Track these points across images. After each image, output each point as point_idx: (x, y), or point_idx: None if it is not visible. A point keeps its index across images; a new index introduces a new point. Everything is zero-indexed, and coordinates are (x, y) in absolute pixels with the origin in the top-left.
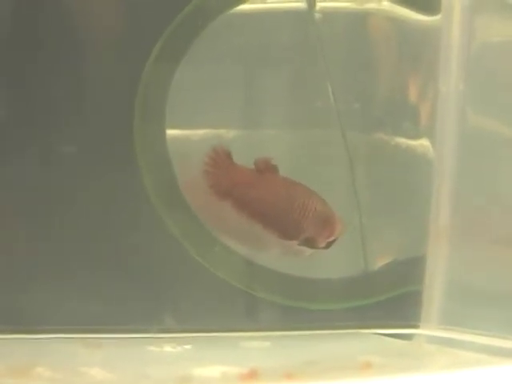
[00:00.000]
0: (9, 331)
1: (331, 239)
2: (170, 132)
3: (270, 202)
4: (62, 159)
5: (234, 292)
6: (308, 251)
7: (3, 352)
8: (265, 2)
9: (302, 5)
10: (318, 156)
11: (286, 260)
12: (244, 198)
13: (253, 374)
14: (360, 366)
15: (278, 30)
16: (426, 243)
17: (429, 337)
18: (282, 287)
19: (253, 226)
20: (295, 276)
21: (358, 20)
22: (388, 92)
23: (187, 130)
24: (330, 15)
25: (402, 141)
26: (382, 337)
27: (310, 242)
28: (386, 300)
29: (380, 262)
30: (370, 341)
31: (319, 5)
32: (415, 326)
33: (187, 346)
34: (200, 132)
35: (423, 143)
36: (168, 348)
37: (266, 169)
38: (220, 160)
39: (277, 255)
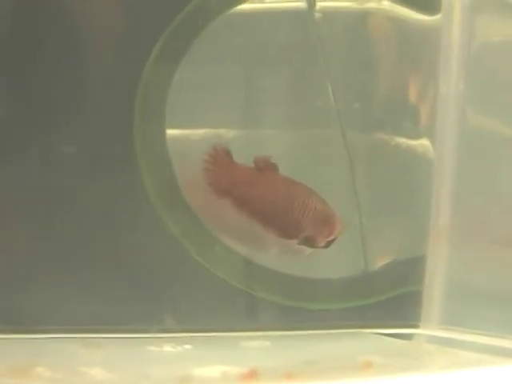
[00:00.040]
0: (9, 331)
1: (331, 238)
2: (170, 132)
3: (270, 200)
4: (62, 159)
5: (233, 292)
6: (308, 250)
7: (3, 352)
8: (264, 2)
9: (302, 4)
10: (318, 156)
11: (286, 260)
12: (244, 197)
13: (253, 374)
14: (360, 366)
15: (277, 30)
16: (426, 243)
17: (429, 337)
18: (281, 287)
19: (252, 224)
20: (295, 276)
21: (358, 20)
22: (388, 92)
23: (187, 129)
24: (330, 15)
25: (402, 141)
26: (382, 337)
27: (309, 242)
28: (386, 300)
29: (380, 262)
30: (370, 341)
31: (319, 4)
32: (415, 326)
33: (187, 346)
34: (200, 132)
35: (423, 143)
36: (168, 348)
37: (265, 167)
38: (220, 158)
39: (276, 254)
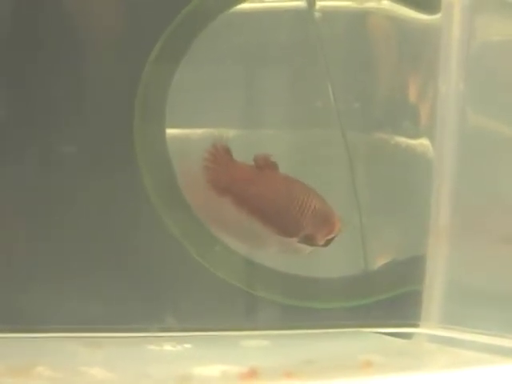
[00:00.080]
0: (9, 330)
1: (330, 237)
2: (170, 132)
3: (270, 198)
4: (62, 159)
5: (233, 291)
6: (307, 249)
7: (3, 351)
8: (264, 2)
9: (302, 4)
10: (318, 156)
11: (286, 259)
12: (243, 195)
13: (253, 373)
14: (360, 365)
15: (277, 30)
16: (426, 243)
17: (429, 336)
18: (282, 286)
19: (252, 222)
20: (295, 275)
21: (358, 19)
22: (388, 91)
23: (187, 129)
24: (330, 14)
25: (402, 140)
26: (383, 336)
27: (309, 240)
28: (386, 299)
29: (380, 262)
30: (371, 340)
31: (319, 4)
32: (415, 325)
33: (187, 345)
34: (200, 132)
35: (423, 143)
36: (168, 347)
37: (265, 165)
38: (220, 156)
39: (276, 253)
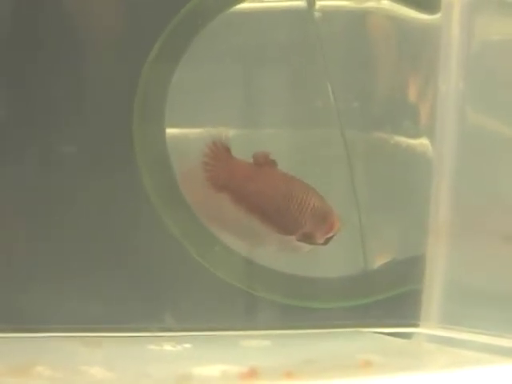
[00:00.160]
0: (9, 330)
1: (329, 235)
2: (170, 131)
3: (268, 195)
4: (62, 159)
5: (233, 291)
6: (306, 247)
7: (3, 351)
8: (264, 1)
9: (302, 3)
10: (317, 155)
11: (286, 259)
12: (242, 192)
13: (253, 373)
14: (360, 365)
15: (277, 29)
16: (425, 242)
17: (428, 336)
18: (281, 286)
19: (251, 220)
20: (295, 275)
21: (358, 19)
22: (388, 91)
23: (187, 129)
24: (330, 14)
25: (402, 139)
26: (382, 336)
27: (308, 238)
28: (385, 299)
29: (380, 261)
30: (370, 340)
31: (319, 3)
32: (415, 325)
33: (187, 345)
34: (199, 131)
35: (423, 142)
36: (168, 347)
37: (264, 163)
38: (219, 153)
39: (275, 251)
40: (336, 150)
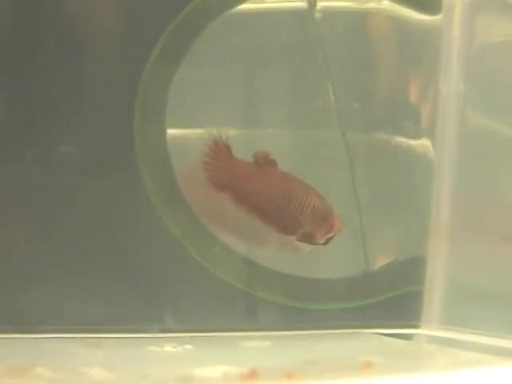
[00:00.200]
0: (9, 331)
1: (329, 235)
2: (171, 132)
3: (269, 195)
4: (62, 159)
5: (234, 292)
6: (307, 247)
7: (3, 352)
8: (265, 2)
9: (303, 4)
10: (318, 156)
11: (287, 260)
12: (242, 191)
13: (253, 374)
14: (360, 366)
15: (278, 30)
16: (426, 243)
17: (429, 337)
18: (282, 287)
19: (251, 220)
20: (296, 276)
21: (359, 19)
22: (388, 92)
23: (187, 129)
24: (331, 15)
25: (403, 141)
26: (383, 337)
27: (308, 238)
28: (386, 300)
29: (380, 262)
30: (371, 341)
31: (320, 4)
32: (415, 326)
33: (187, 346)
34: (200, 132)
35: (424, 143)
36: (168, 348)
37: (264, 162)
38: (220, 152)
39: (275, 251)
40: (336, 151)
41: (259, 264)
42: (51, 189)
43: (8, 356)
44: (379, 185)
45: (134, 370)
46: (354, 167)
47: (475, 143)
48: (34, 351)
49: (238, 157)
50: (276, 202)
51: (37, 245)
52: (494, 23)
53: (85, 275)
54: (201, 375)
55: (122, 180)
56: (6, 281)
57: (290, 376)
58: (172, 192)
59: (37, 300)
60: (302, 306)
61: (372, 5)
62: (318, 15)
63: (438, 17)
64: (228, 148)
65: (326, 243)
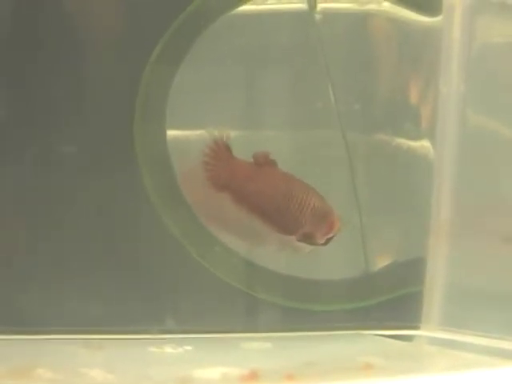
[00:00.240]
0: (9, 332)
1: (329, 236)
2: (171, 132)
3: (269, 195)
4: (62, 159)
5: (234, 293)
6: (307, 248)
7: (3, 353)
8: (266, 3)
9: (303, 6)
10: (318, 156)
11: (287, 261)
12: (242, 191)
13: (253, 375)
14: (360, 368)
15: (278, 31)
16: (426, 244)
17: (429, 338)
18: (282, 288)
19: (251, 220)
20: (296, 277)
21: (359, 21)
22: (389, 93)
23: (188, 130)
24: (331, 16)
25: (403, 142)
26: (383, 338)
27: (308, 238)
28: (386, 301)
29: (381, 263)
30: (371, 342)
31: (320, 6)
32: (416, 328)
33: (188, 347)
34: (200, 132)
35: (424, 144)
36: (168, 349)
37: (264, 163)
38: (220, 152)
39: (275, 251)
40: (337, 152)
41: (259, 265)
42: (51, 189)
43: (8, 357)
44: (379, 185)
45: (134, 371)
46: (354, 168)
47: (475, 144)
48: (35, 352)
49: (239, 157)
50: (276, 202)
51: (37, 245)
52: (494, 24)
53: (85, 276)
54: (201, 376)
55: (122, 180)
56: (6, 281)
57: (291, 377)
58: (172, 192)
59: (37, 301)
60: (302, 307)
61: (372, 6)
62: (318, 16)
63: (438, 18)
64: (228, 148)
65: (325, 243)
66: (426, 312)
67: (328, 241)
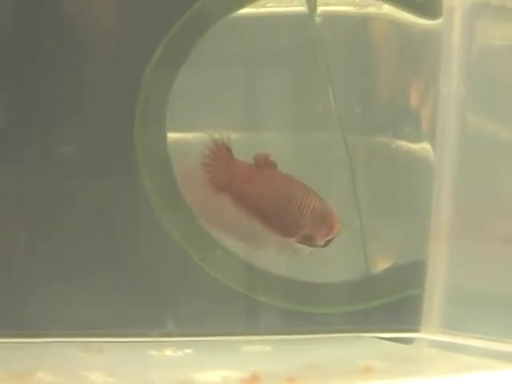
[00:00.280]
0: (9, 335)
1: (329, 237)
2: (171, 135)
3: (269, 197)
4: (62, 160)
5: (234, 296)
6: (307, 250)
7: (4, 356)
8: (266, 6)
9: (303, 9)
10: (318, 159)
11: (287, 264)
12: (242, 193)
13: (254, 378)
14: (360, 370)
15: (278, 34)
16: (426, 247)
17: (429, 341)
18: (282, 291)
19: (251, 222)
20: (296, 280)
21: (359, 24)
22: (389, 95)
23: (188, 133)
24: (331, 19)
25: (403, 144)
26: (383, 341)
27: (308, 240)
28: (386, 304)
29: (381, 266)
30: (371, 345)
31: (320, 9)
32: (416, 330)
33: (188, 350)
34: (201, 135)
35: (424, 146)
36: (169, 352)
37: (265, 164)
38: (220, 153)
39: (275, 253)
40: (337, 154)
41: (260, 268)
42: (51, 189)
43: (8, 361)
44: (379, 188)
45: (134, 374)
46: (354, 170)
47: (475, 146)
48: (35, 356)
49: (239, 159)
50: (276, 204)
51: (37, 245)
52: (494, 27)
53: (85, 278)
54: (201, 379)
55: (121, 181)
56: (6, 282)
57: (291, 380)
58: (172, 193)
59: (37, 304)
60: (302, 310)
61: (372, 9)
62: (318, 19)
63: (438, 21)
64: (228, 149)
65: (325, 245)
66: (426, 315)
67: (328, 243)
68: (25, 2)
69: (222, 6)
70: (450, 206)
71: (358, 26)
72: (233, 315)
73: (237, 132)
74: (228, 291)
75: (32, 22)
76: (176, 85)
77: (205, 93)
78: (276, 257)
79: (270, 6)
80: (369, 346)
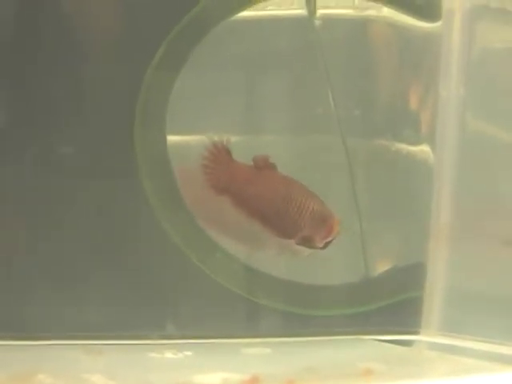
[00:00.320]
0: (9, 338)
1: (328, 239)
2: (171, 138)
3: (268, 198)
4: (62, 160)
5: (234, 298)
6: (306, 251)
7: (4, 359)
8: (266, 9)
9: (303, 12)
10: (318, 162)
11: (287, 266)
12: (242, 195)
13: (254, 381)
14: (360, 373)
15: (278, 37)
16: (426, 249)
17: (429, 343)
18: (283, 294)
19: (250, 223)
20: (296, 282)
21: (359, 27)
22: (388, 98)
23: (188, 135)
24: (331, 22)
25: (403, 147)
26: (383, 343)
27: (307, 242)
28: (386, 306)
29: (380, 268)
30: (371, 347)
31: (319, 12)
32: (415, 333)
33: (188, 353)
34: (200, 138)
35: (424, 149)
36: (169, 354)
37: (264, 166)
38: (220, 155)
39: (274, 255)
40: (337, 157)
41: (260, 270)
42: (51, 189)
43: (9, 363)
44: (379, 190)
45: (134, 376)
46: (354, 173)
47: (475, 148)
48: (35, 358)
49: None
50: (275, 206)
51: (37, 246)
52: (494, 29)
53: (86, 282)
54: (201, 382)
55: (121, 183)
56: (6, 283)
57: (291, 383)
58: (172, 195)
59: (38, 306)
60: (302, 313)
61: (372, 12)
62: (317, 22)
63: (438, 24)
64: (228, 151)
65: (324, 247)
66: (425, 317)
67: (327, 244)
68: (25, 2)
69: (222, 8)
70: (449, 208)
71: (358, 29)
72: (233, 317)
73: (237, 135)
74: (228, 293)
75: (32, 22)
76: (176, 87)
77: (205, 95)
78: (275, 259)
79: (269, 9)
80: (369, 349)
